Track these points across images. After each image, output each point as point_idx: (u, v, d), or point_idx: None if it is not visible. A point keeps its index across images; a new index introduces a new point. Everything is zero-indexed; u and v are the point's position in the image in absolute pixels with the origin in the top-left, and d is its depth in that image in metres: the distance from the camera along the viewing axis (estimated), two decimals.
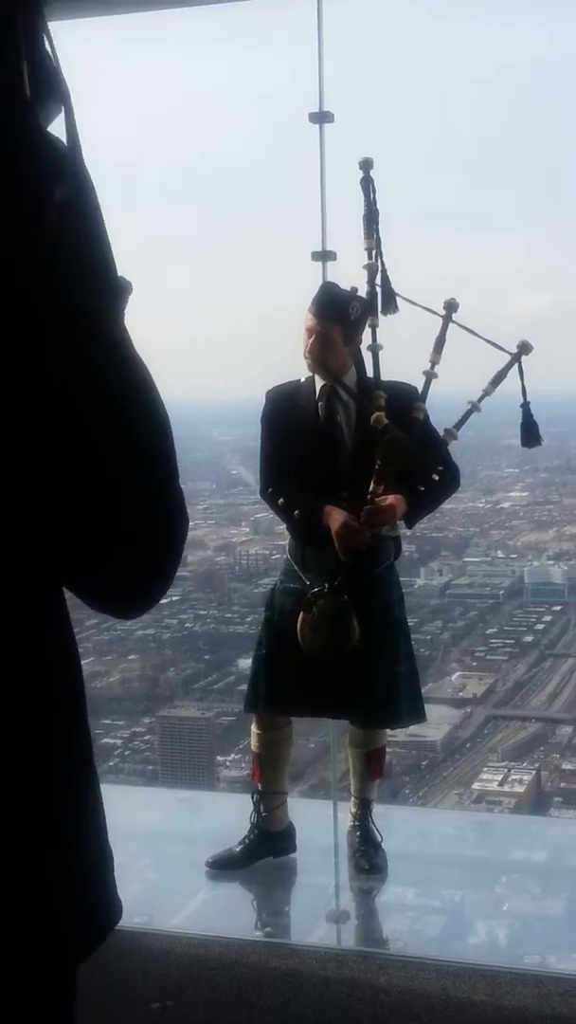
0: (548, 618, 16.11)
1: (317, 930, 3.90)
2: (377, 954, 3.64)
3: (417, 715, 4.04)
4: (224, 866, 4.13)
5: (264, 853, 4.16)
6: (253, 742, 4.17)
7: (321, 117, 4.20)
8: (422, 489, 3.75)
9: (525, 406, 3.73)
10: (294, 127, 4.35)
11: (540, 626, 16.05)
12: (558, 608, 16.23)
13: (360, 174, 3.78)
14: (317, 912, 4.00)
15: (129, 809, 5.20)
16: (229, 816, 5.00)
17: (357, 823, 4.21)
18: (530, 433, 3.75)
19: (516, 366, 3.71)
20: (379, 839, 4.17)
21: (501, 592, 16.35)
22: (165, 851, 4.53)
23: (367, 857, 4.12)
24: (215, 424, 16.55)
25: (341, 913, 3.94)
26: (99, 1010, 3.34)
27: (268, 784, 4.15)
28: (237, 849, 4.15)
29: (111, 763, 13.31)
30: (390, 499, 3.68)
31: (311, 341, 3.76)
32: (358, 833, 4.19)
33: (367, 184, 3.78)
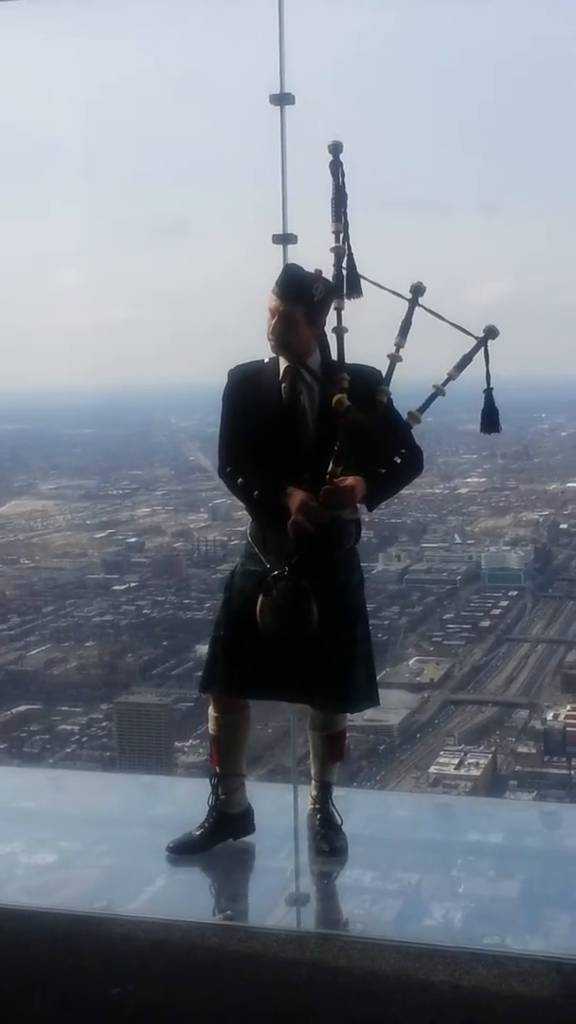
0: (505, 603, 16.24)
1: (277, 913, 3.89)
2: (337, 936, 3.65)
3: (372, 699, 4.01)
4: (184, 850, 4.12)
5: (224, 836, 4.15)
6: (211, 725, 4.14)
7: (282, 99, 4.17)
8: (383, 471, 3.71)
9: (488, 392, 3.69)
10: (255, 109, 4.33)
11: (497, 611, 16.18)
12: (514, 593, 16.37)
13: (329, 157, 3.75)
14: (277, 895, 3.99)
15: (87, 794, 5.19)
16: (188, 801, 4.99)
17: (317, 806, 4.21)
18: (491, 420, 3.72)
19: (482, 351, 3.69)
20: (339, 822, 4.18)
21: (458, 577, 16.46)
22: (124, 836, 4.52)
23: (327, 840, 4.12)
24: (173, 410, 16.53)
25: (301, 896, 3.93)
26: (59, 995, 3.34)
27: (226, 767, 4.14)
28: (197, 833, 4.15)
29: (68, 749, 13.29)
30: (349, 480, 3.63)
31: (274, 322, 3.71)
32: (318, 816, 4.19)
33: (336, 167, 3.76)
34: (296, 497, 3.66)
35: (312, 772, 4.26)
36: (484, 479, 18.34)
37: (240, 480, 3.79)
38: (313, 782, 4.25)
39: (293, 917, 3.86)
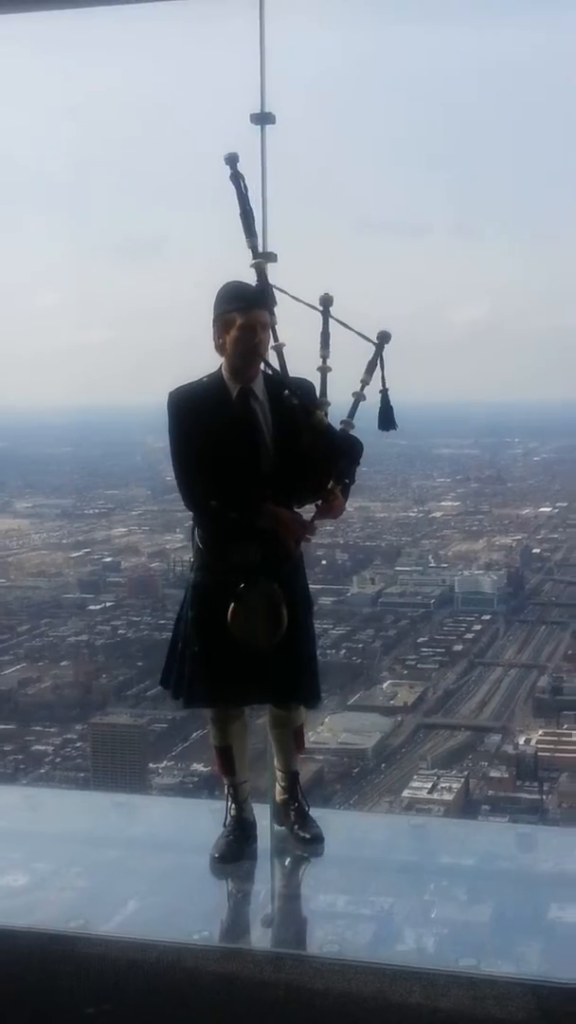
0: (478, 627, 16.26)
1: (252, 934, 3.90)
2: (313, 957, 3.63)
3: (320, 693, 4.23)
4: (233, 859, 4.14)
5: (250, 839, 4.21)
6: (217, 739, 4.19)
7: (263, 118, 4.21)
8: (347, 482, 3.87)
9: (383, 392, 3.88)
10: (235, 129, 4.35)
11: (470, 635, 16.19)
12: (487, 617, 16.39)
13: (230, 169, 3.88)
14: (252, 916, 4.00)
15: (62, 813, 5.16)
16: (162, 821, 4.99)
17: (288, 796, 4.27)
18: (386, 418, 3.88)
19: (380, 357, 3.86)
20: (308, 809, 4.26)
21: (432, 601, 16.46)
22: (99, 856, 4.49)
23: (305, 828, 4.19)
24: (150, 430, 16.49)
25: (276, 917, 3.94)
26: (35, 1013, 3.31)
27: (240, 774, 4.21)
28: (229, 839, 4.17)
29: (42, 770, 13.18)
30: (338, 493, 3.83)
31: (263, 337, 3.79)
32: (293, 805, 4.25)
33: (237, 180, 3.88)
34: (280, 513, 3.81)
35: (278, 766, 4.31)
36: (458, 503, 18.37)
37: (213, 503, 3.82)
38: (280, 775, 4.31)
39: (268, 938, 3.86)
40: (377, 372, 3.86)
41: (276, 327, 3.87)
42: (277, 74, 4.26)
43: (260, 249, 3.92)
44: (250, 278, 3.92)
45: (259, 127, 4.21)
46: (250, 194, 3.96)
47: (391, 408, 3.89)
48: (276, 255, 4.10)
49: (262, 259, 3.91)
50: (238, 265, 3.96)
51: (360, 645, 15.34)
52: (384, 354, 3.88)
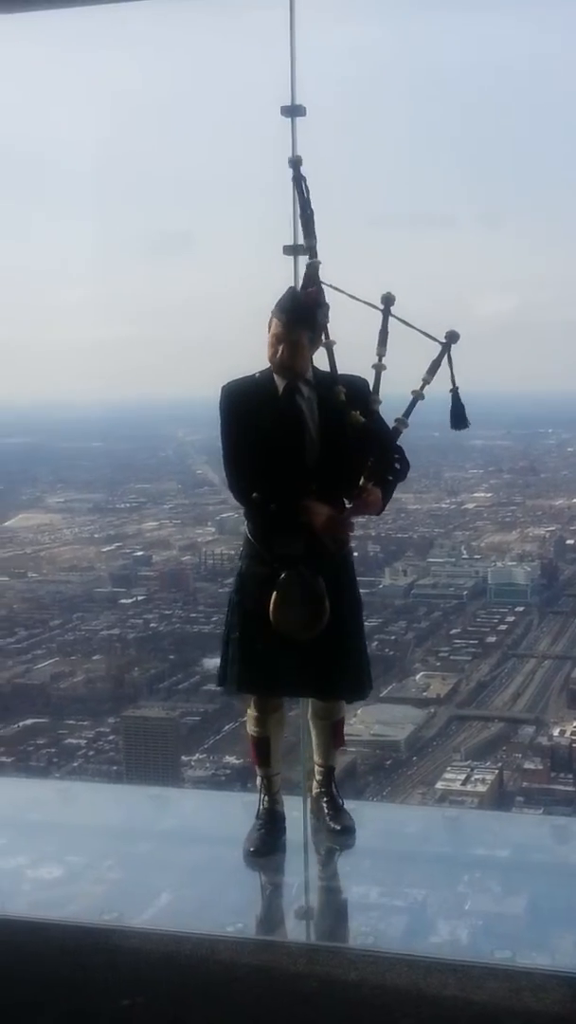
0: (511, 619, 16.20)
1: (286, 926, 3.90)
2: (348, 949, 3.63)
3: (371, 685, 4.22)
4: (266, 852, 4.16)
5: (280, 832, 4.23)
6: (253, 729, 4.21)
7: (293, 111, 4.19)
8: (391, 479, 3.86)
9: (454, 391, 3.84)
10: (265, 121, 4.35)
11: (503, 627, 16.13)
12: (521, 609, 16.32)
13: (292, 172, 3.87)
14: (286, 908, 4.00)
15: (95, 806, 5.18)
16: (195, 814, 5.00)
17: (323, 789, 4.31)
18: (458, 417, 3.86)
19: (446, 355, 3.82)
20: (342, 803, 4.30)
21: (465, 593, 16.42)
22: (132, 848, 4.50)
23: (338, 820, 4.23)
24: (180, 423, 16.55)
25: (310, 909, 3.94)
26: (69, 1006, 3.32)
27: (274, 766, 4.23)
28: (262, 832, 4.19)
29: (75, 763, 13.25)
30: (376, 491, 3.80)
31: (282, 349, 3.81)
32: (325, 799, 4.29)
33: (299, 182, 3.88)
34: (319, 511, 3.81)
35: (316, 759, 4.34)
36: (491, 494, 18.30)
37: (255, 495, 3.86)
38: (317, 768, 4.34)
39: (303, 930, 3.86)
40: (444, 371, 3.81)
41: (327, 325, 3.85)
42: (307, 67, 4.25)
43: (316, 252, 3.89)
44: (278, 274, 3.95)
45: (289, 119, 4.20)
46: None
47: (463, 406, 3.85)
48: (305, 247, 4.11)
49: (317, 261, 3.87)
50: (268, 260, 3.97)
51: (393, 637, 15.32)
52: (451, 353, 3.81)
